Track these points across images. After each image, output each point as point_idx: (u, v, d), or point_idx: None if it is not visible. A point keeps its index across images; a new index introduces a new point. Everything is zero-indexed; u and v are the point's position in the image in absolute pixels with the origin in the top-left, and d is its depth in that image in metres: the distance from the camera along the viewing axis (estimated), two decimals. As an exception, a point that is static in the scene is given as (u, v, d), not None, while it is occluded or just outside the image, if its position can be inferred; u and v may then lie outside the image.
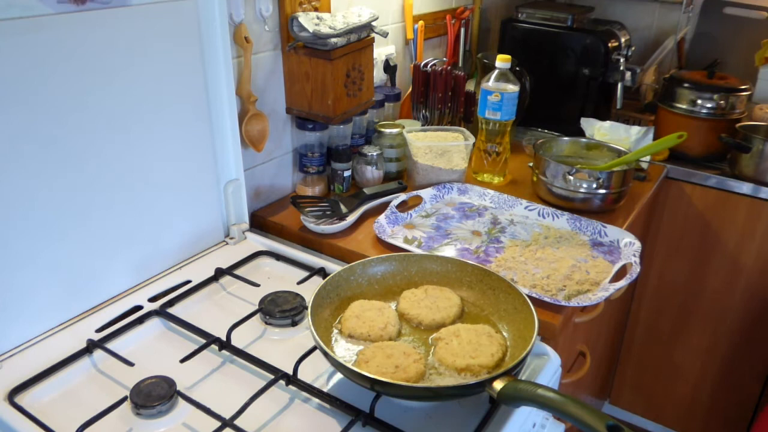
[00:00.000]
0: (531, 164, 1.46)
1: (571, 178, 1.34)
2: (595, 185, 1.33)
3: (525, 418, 0.86)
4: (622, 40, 1.75)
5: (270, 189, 1.37)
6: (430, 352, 0.89)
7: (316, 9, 1.29)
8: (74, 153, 0.92)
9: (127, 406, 0.82)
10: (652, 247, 1.42)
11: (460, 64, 1.89)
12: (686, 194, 1.70)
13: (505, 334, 0.93)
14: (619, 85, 1.72)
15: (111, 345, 0.92)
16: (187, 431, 0.80)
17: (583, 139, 1.53)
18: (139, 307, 1.02)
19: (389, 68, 1.65)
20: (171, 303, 1.03)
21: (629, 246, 1.20)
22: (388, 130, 1.45)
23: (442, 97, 1.62)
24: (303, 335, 0.99)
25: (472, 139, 1.44)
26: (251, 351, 0.93)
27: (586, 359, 1.36)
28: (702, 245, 1.73)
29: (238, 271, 1.12)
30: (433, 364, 0.87)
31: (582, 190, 1.34)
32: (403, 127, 1.47)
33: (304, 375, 0.87)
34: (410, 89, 1.68)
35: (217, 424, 0.78)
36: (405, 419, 0.82)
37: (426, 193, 1.39)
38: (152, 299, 1.04)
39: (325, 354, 0.82)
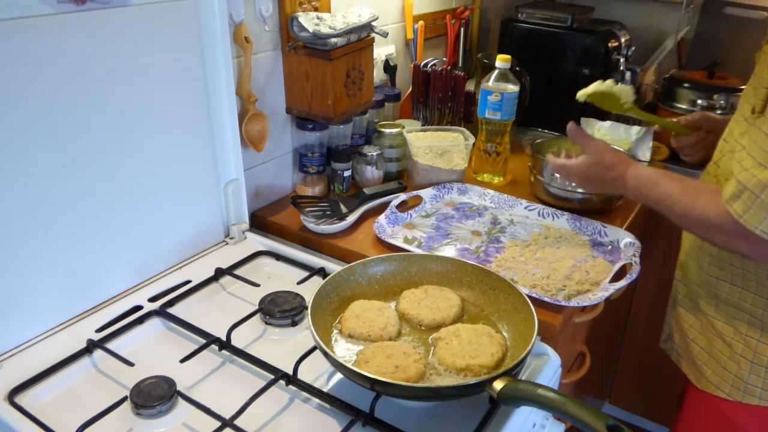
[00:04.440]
0: (530, 164, 1.46)
1: (558, 176, 1.34)
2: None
3: (525, 418, 0.86)
4: (622, 40, 1.75)
5: (270, 189, 1.38)
6: (430, 352, 0.89)
7: (316, 9, 1.29)
8: (74, 153, 0.92)
9: (127, 406, 0.82)
10: (652, 247, 1.42)
11: (460, 64, 1.89)
12: (686, 194, 1.69)
13: (505, 334, 0.93)
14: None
15: (111, 345, 0.92)
16: (187, 431, 0.80)
17: None
18: (139, 307, 1.02)
19: (389, 68, 1.65)
20: (171, 303, 1.03)
21: (629, 246, 1.20)
22: (388, 130, 1.45)
23: (442, 97, 1.62)
24: (303, 335, 0.99)
25: (472, 139, 1.44)
26: (251, 351, 0.93)
27: (586, 359, 1.36)
28: (702, 245, 1.73)
29: (238, 271, 1.12)
30: (433, 364, 0.87)
31: (579, 190, 1.33)
32: (403, 127, 1.47)
33: (304, 375, 0.87)
34: (410, 89, 1.68)
35: (217, 424, 0.78)
36: (405, 419, 0.82)
37: (426, 193, 1.39)
38: (152, 299, 1.04)
39: (325, 354, 0.82)
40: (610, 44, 1.70)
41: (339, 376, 0.89)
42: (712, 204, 0.88)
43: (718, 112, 1.65)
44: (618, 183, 1.05)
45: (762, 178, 0.81)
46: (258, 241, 1.22)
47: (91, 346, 0.91)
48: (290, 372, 0.87)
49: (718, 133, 1.10)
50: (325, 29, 1.20)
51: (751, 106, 0.90)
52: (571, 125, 1.10)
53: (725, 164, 0.99)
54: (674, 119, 1.26)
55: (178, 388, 0.84)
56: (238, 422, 0.78)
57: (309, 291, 0.95)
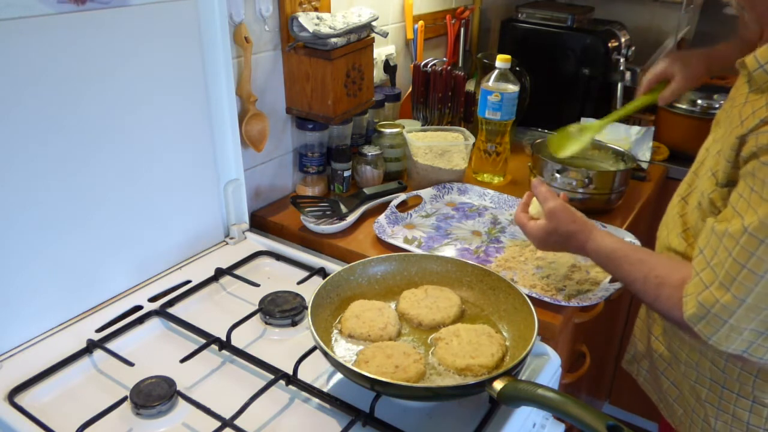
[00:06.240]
0: (530, 164, 1.46)
1: (558, 176, 1.34)
2: (582, 185, 1.33)
3: (525, 418, 0.86)
4: (622, 40, 1.75)
5: (270, 189, 1.37)
6: (430, 352, 0.89)
7: (316, 9, 1.29)
8: (74, 153, 0.92)
9: (127, 406, 0.82)
10: (652, 246, 1.42)
11: (460, 64, 1.89)
12: (686, 194, 1.69)
13: (505, 334, 0.93)
14: (619, 85, 1.72)
15: (111, 345, 0.92)
16: (187, 431, 0.80)
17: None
18: (139, 307, 1.02)
19: (389, 68, 1.65)
20: (171, 303, 1.03)
21: (629, 246, 1.20)
22: (388, 130, 1.45)
23: (442, 97, 1.62)
24: (303, 335, 0.99)
25: (472, 139, 1.44)
26: (251, 351, 0.93)
27: (586, 359, 1.36)
28: (702, 245, 1.72)
29: (238, 271, 1.12)
30: (433, 364, 0.87)
31: (579, 190, 1.33)
32: (403, 127, 1.47)
33: (304, 375, 0.87)
34: (410, 89, 1.68)
35: (217, 424, 0.78)
36: (405, 419, 0.82)
37: (426, 193, 1.39)
38: (152, 299, 1.04)
39: (325, 354, 0.82)
40: (610, 44, 1.70)
41: (339, 376, 0.89)
42: (675, 307, 0.84)
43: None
44: (579, 253, 1.00)
45: (725, 302, 0.77)
46: (258, 241, 1.22)
47: (91, 346, 0.91)
48: (290, 372, 0.87)
49: (687, 66, 1.16)
50: (325, 29, 1.20)
51: (717, 166, 0.85)
52: (535, 181, 1.04)
53: (693, 207, 0.95)
54: (642, 94, 1.29)
55: (178, 388, 0.84)
56: (238, 422, 0.78)
57: (309, 291, 0.95)
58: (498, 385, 0.76)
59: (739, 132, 0.81)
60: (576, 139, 1.31)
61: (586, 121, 1.65)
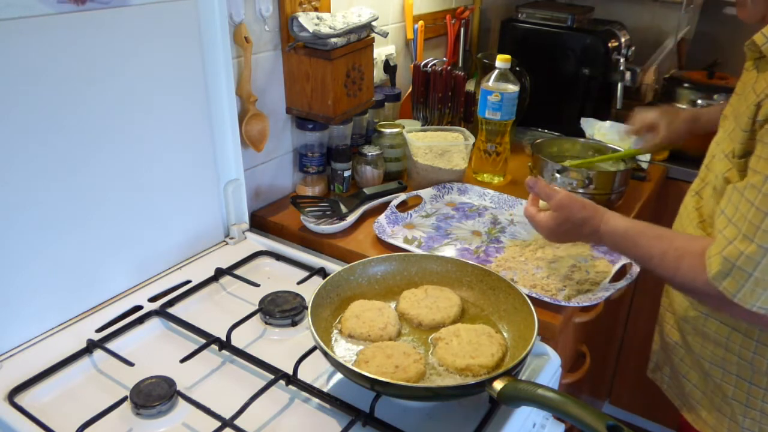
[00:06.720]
0: (530, 164, 1.46)
1: (558, 176, 1.34)
2: (582, 185, 1.33)
3: (525, 418, 0.86)
4: (622, 40, 1.75)
5: (270, 189, 1.37)
6: (430, 352, 0.89)
7: (316, 9, 1.29)
8: (74, 153, 0.92)
9: (127, 406, 0.82)
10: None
11: (460, 64, 1.89)
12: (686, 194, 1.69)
13: (505, 334, 0.93)
14: (619, 85, 1.72)
15: (111, 345, 0.92)
16: (187, 431, 0.80)
17: (591, 141, 1.53)
18: (139, 307, 1.02)
19: (389, 68, 1.65)
20: (171, 303, 1.03)
21: (629, 246, 1.20)
22: (388, 130, 1.45)
23: (442, 97, 1.62)
24: (303, 335, 0.99)
25: (472, 139, 1.44)
26: (251, 351, 0.93)
27: (586, 359, 1.36)
28: (702, 245, 1.72)
29: (238, 271, 1.12)
30: (433, 364, 0.87)
31: (580, 190, 1.33)
32: (403, 127, 1.47)
33: (304, 375, 0.87)
34: (410, 89, 1.68)
35: (217, 424, 0.78)
36: (405, 419, 0.82)
37: (426, 193, 1.39)
38: (152, 299, 1.04)
39: (325, 354, 0.82)
40: (610, 44, 1.70)
41: (339, 376, 0.89)
42: (699, 275, 0.82)
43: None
44: (593, 239, 0.99)
45: (749, 252, 0.77)
46: (258, 241, 1.22)
47: (91, 346, 0.91)
48: (290, 372, 0.87)
49: (672, 123, 1.29)
50: (325, 29, 1.20)
51: (732, 145, 0.87)
52: (529, 180, 1.02)
53: (707, 197, 0.96)
54: (629, 134, 1.41)
55: (178, 388, 0.84)
56: (238, 422, 0.78)
57: (309, 291, 0.95)
58: (498, 385, 0.76)
59: (754, 101, 0.81)
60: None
61: (587, 122, 1.65)
